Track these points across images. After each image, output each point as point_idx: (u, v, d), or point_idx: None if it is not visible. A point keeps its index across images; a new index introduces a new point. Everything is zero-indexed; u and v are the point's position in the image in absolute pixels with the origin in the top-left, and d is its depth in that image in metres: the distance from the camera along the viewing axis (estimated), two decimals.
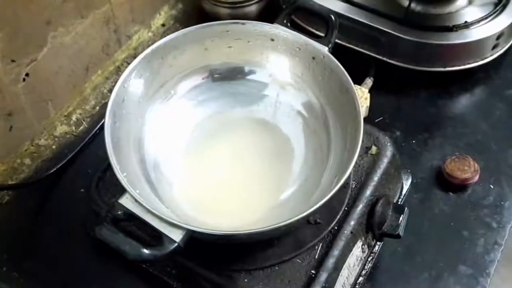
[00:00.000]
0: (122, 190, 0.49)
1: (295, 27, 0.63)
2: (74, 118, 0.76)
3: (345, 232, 0.57)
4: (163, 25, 0.87)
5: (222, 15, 0.83)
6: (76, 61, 0.73)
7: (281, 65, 0.63)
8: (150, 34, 0.86)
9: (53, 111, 0.73)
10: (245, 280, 0.55)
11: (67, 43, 0.70)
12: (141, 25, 0.84)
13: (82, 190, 0.67)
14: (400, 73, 0.77)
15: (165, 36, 0.61)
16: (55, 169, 0.69)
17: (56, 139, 0.74)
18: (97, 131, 0.73)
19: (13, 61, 0.62)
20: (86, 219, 0.63)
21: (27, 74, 0.65)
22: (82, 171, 0.69)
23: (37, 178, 0.68)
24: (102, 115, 0.53)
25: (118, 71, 0.80)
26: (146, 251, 0.45)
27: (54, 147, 0.73)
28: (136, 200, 0.48)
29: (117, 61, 0.81)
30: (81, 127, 0.75)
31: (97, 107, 0.77)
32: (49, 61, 0.68)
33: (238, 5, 0.81)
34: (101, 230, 0.46)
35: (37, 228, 0.66)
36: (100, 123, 0.72)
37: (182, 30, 0.60)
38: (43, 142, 0.73)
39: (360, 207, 0.59)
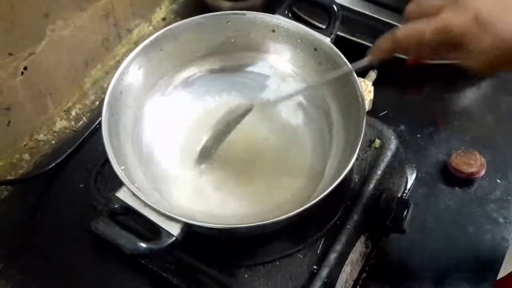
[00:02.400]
0: (120, 184, 0.48)
1: (297, 19, 0.62)
2: (73, 113, 0.75)
3: (348, 226, 0.56)
4: (163, 19, 0.87)
5: (223, 9, 0.81)
6: (76, 55, 0.72)
7: (282, 56, 0.62)
8: (150, 28, 0.85)
9: (52, 106, 0.72)
10: (246, 275, 0.54)
11: (66, 37, 0.69)
12: (142, 19, 0.83)
13: (81, 185, 0.67)
14: (405, 66, 0.75)
15: None
16: (54, 164, 0.68)
17: (55, 134, 0.73)
18: (97, 126, 0.72)
19: (10, 54, 0.62)
20: (84, 214, 0.63)
21: (25, 68, 0.64)
22: (81, 166, 0.68)
23: (36, 173, 0.68)
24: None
25: (118, 65, 0.78)
26: (143, 244, 0.44)
27: (53, 142, 0.72)
28: (133, 194, 0.47)
29: (117, 55, 0.80)
30: (81, 122, 0.74)
31: (97, 102, 0.77)
32: (48, 54, 0.67)
33: None
34: (97, 224, 0.45)
35: (35, 224, 0.65)
36: (100, 118, 0.71)
37: (182, 21, 0.59)
38: (42, 137, 0.72)
39: (363, 202, 0.58)
